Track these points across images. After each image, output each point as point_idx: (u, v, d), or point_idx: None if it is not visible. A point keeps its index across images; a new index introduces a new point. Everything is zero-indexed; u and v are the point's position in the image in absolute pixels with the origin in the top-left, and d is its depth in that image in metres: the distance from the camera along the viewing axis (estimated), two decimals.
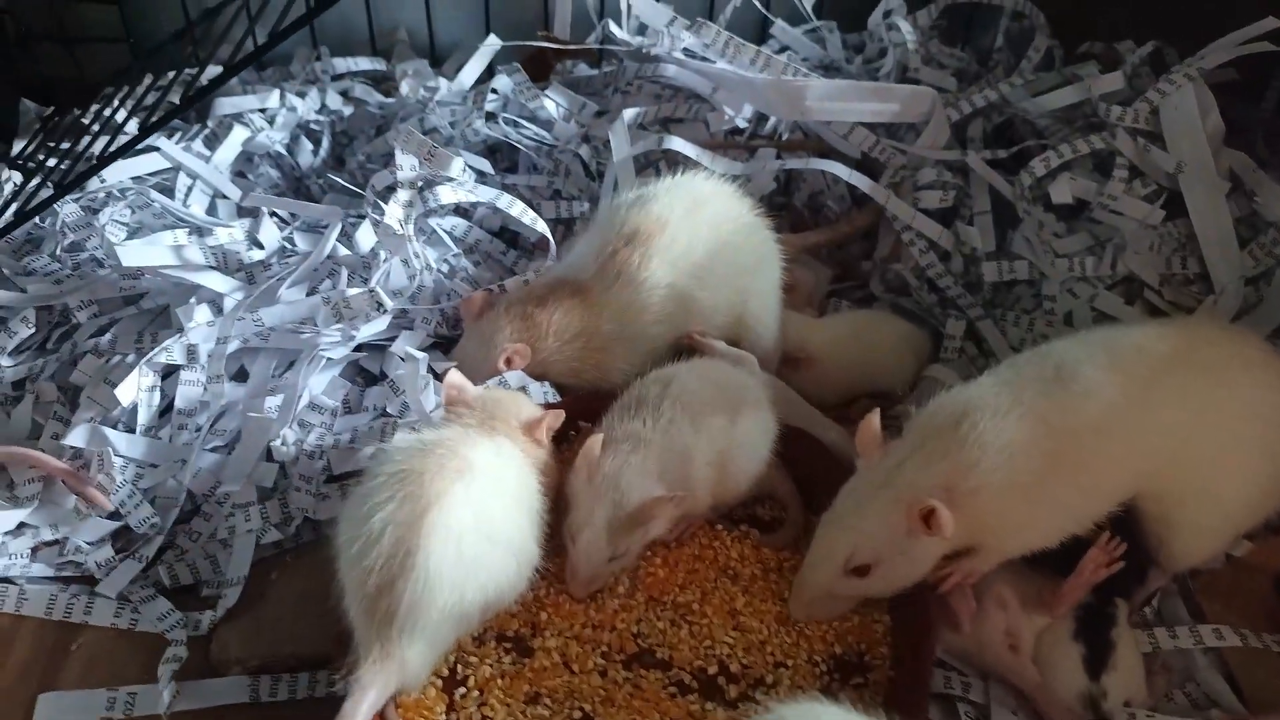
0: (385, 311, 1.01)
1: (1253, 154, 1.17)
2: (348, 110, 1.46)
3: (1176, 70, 1.17)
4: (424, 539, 0.74)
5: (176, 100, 1.06)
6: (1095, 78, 1.25)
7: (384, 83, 1.55)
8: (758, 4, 1.52)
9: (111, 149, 1.05)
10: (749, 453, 0.90)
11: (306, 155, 1.38)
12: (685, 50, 1.34)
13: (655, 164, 1.28)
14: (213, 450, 0.98)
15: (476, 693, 0.81)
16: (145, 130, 1.03)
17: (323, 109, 1.46)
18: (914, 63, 1.38)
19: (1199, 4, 1.32)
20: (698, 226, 1.02)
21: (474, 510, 0.78)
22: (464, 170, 1.04)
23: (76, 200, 1.17)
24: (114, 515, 0.94)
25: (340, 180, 1.23)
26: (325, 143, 1.40)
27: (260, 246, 1.12)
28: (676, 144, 1.20)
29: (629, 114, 1.23)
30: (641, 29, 1.48)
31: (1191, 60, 1.15)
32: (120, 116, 1.17)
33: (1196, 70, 1.14)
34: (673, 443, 0.86)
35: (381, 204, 1.07)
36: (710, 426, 0.88)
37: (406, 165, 1.03)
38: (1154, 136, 1.18)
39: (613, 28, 1.47)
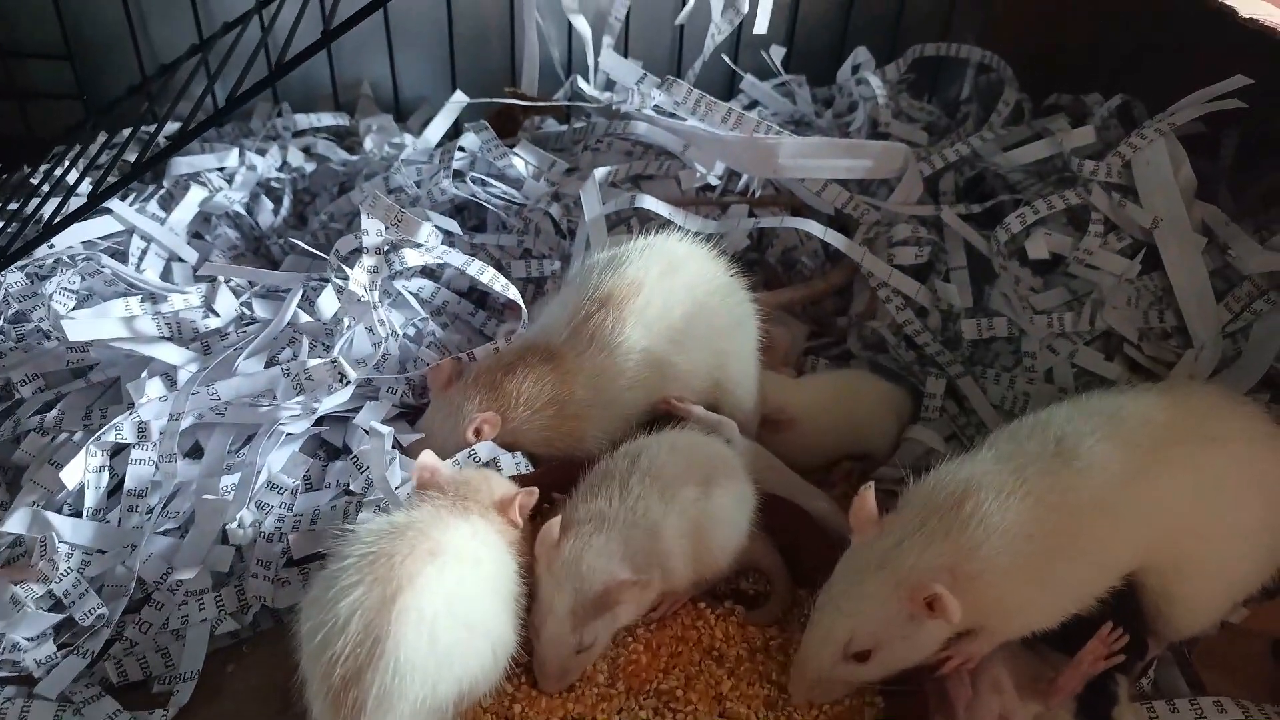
0: (348, 383, 0.97)
1: (1218, 204, 1.18)
2: (310, 167, 1.43)
3: (1148, 125, 1.17)
4: (394, 625, 0.70)
5: (131, 159, 1.02)
6: (1066, 132, 1.26)
7: (347, 138, 1.52)
8: (726, 59, 1.51)
9: (62, 214, 1.00)
10: (726, 525, 0.87)
11: (267, 215, 1.34)
12: (655, 107, 1.32)
13: (627, 221, 1.25)
14: (164, 534, 0.92)
15: None
16: (98, 195, 0.99)
17: (284, 166, 1.42)
18: (884, 117, 1.38)
19: (1159, 58, 1.33)
20: (673, 289, 0.99)
21: (447, 594, 0.74)
22: (432, 234, 1.01)
23: (22, 269, 1.11)
24: (57, 607, 0.88)
25: (302, 243, 1.19)
26: (286, 201, 1.36)
27: (217, 314, 1.08)
28: (649, 203, 1.18)
29: (600, 173, 1.21)
30: (610, 85, 1.47)
31: (1162, 116, 1.15)
32: (72, 177, 1.13)
33: (1168, 125, 1.14)
34: (639, 519, 0.83)
35: (346, 269, 1.03)
36: (681, 499, 0.84)
37: (373, 230, 0.99)
38: (1127, 190, 1.18)
39: (581, 84, 1.46)
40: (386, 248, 1.05)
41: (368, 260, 1.00)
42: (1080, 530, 0.76)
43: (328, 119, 1.52)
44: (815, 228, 1.18)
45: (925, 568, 0.74)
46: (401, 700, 0.70)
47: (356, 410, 1.01)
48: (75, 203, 1.04)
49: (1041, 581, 0.75)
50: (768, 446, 1.03)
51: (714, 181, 1.30)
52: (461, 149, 1.33)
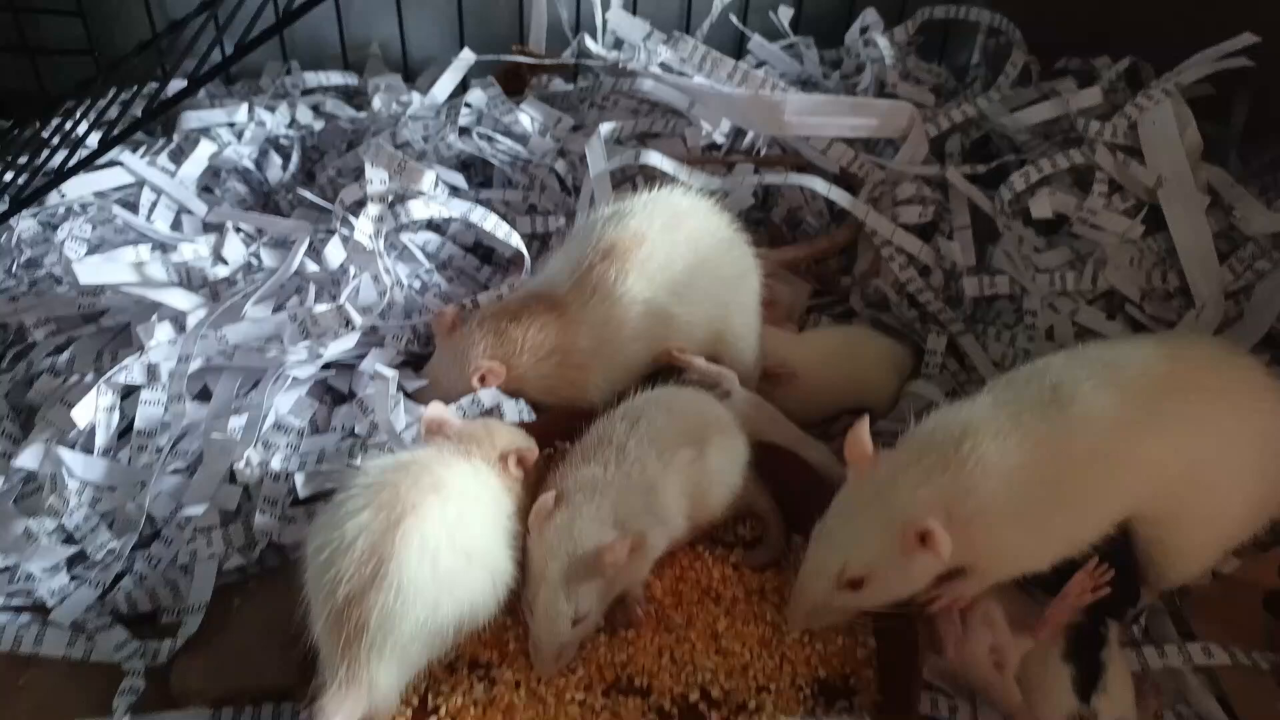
0: (354, 328, 0.98)
1: (1227, 169, 1.18)
2: (318, 125, 1.43)
3: (1154, 85, 1.17)
4: (398, 547, 0.72)
5: (140, 113, 1.03)
6: (1073, 93, 1.25)
7: (356, 97, 1.53)
8: (734, 19, 1.51)
9: (71, 163, 1.01)
10: (722, 481, 0.88)
11: (275, 170, 1.35)
12: (662, 65, 1.33)
13: (632, 179, 1.26)
14: (174, 473, 0.94)
15: None
16: (106, 143, 1.00)
17: (293, 123, 1.43)
18: (891, 78, 1.38)
19: (1171, 20, 1.33)
20: (676, 241, 1.00)
21: (449, 524, 0.76)
22: (436, 184, 1.02)
23: (34, 216, 1.13)
24: (69, 540, 0.90)
25: (309, 195, 1.20)
26: (295, 157, 1.37)
27: (225, 263, 1.09)
28: (653, 159, 1.19)
29: (605, 128, 1.21)
30: (617, 43, 1.47)
31: (1169, 75, 1.15)
32: (81, 130, 1.14)
33: (1174, 85, 1.14)
34: (636, 482, 0.83)
35: (351, 218, 1.04)
36: (679, 460, 0.85)
37: (376, 179, 1.00)
38: (1132, 151, 1.18)
39: (588, 42, 1.46)
40: (391, 199, 1.06)
41: (372, 209, 1.01)
42: (1074, 476, 0.76)
43: (336, 78, 1.53)
44: (819, 184, 1.18)
45: (920, 503, 0.75)
46: (403, 620, 0.72)
47: (362, 357, 1.03)
48: (84, 155, 1.06)
49: (1035, 524, 0.76)
50: (769, 400, 1.04)
51: (719, 140, 1.30)
52: (468, 105, 1.33)
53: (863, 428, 0.80)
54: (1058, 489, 0.76)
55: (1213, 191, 1.17)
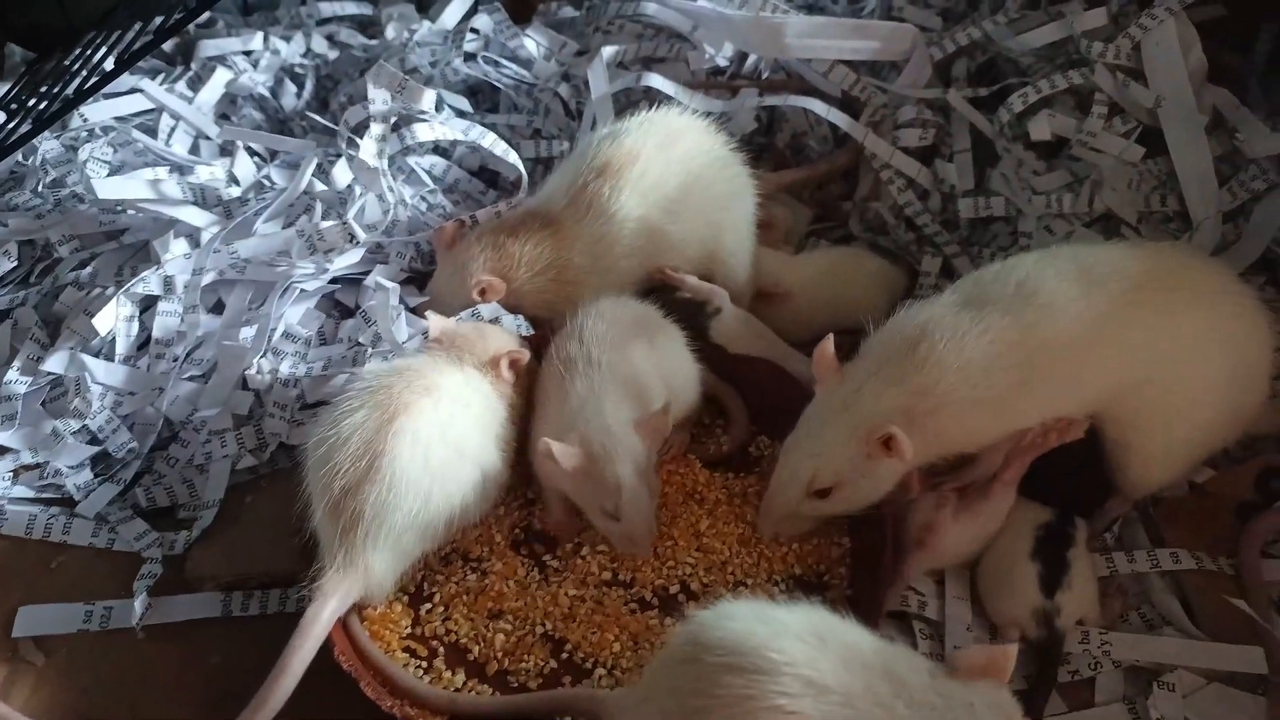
0: (358, 243, 1.02)
1: (1244, 98, 1.16)
2: (333, 54, 1.46)
3: (1159, 4, 1.15)
4: (391, 443, 0.77)
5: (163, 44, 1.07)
6: (1078, 14, 1.24)
7: (370, 27, 1.55)
8: None
9: (88, 85, 1.05)
10: (681, 362, 0.93)
11: (290, 98, 1.38)
12: None
13: (636, 104, 1.27)
14: (190, 379, 0.99)
15: (441, 608, 0.83)
16: (120, 64, 1.04)
17: (307, 53, 1.46)
18: (899, 1, 1.37)
19: None
20: (670, 160, 1.02)
21: (441, 423, 0.80)
22: (437, 104, 1.05)
23: (58, 138, 1.18)
24: (93, 440, 0.96)
25: (320, 120, 1.24)
26: (309, 85, 1.40)
27: (237, 182, 1.13)
28: (655, 81, 1.20)
29: (608, 52, 1.23)
30: None
31: None
32: (99, 57, 1.18)
33: (1178, 3, 1.13)
34: (620, 374, 0.86)
35: (356, 139, 1.07)
36: (638, 351, 0.89)
37: (379, 99, 1.03)
38: (1136, 74, 1.17)
39: None
40: (395, 120, 1.09)
41: (375, 128, 1.04)
42: (1037, 366, 0.78)
43: (350, 8, 1.55)
44: (818, 105, 1.19)
45: (881, 410, 0.78)
46: (396, 511, 0.77)
47: (367, 273, 1.07)
48: (103, 74, 1.09)
49: (995, 413, 0.78)
50: (762, 318, 1.06)
51: (723, 63, 1.31)
52: (474, 30, 1.35)
53: (828, 343, 0.83)
54: (1019, 379, 0.78)
55: (1218, 115, 1.16)
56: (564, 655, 0.80)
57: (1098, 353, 0.79)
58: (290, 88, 1.40)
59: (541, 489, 0.89)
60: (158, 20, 1.21)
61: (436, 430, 0.79)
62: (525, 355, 0.90)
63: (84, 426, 0.96)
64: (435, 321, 0.91)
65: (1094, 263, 0.81)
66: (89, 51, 1.26)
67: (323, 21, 1.54)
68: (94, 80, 1.06)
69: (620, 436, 0.82)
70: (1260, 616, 0.80)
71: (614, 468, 0.80)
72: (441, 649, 0.81)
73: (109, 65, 1.12)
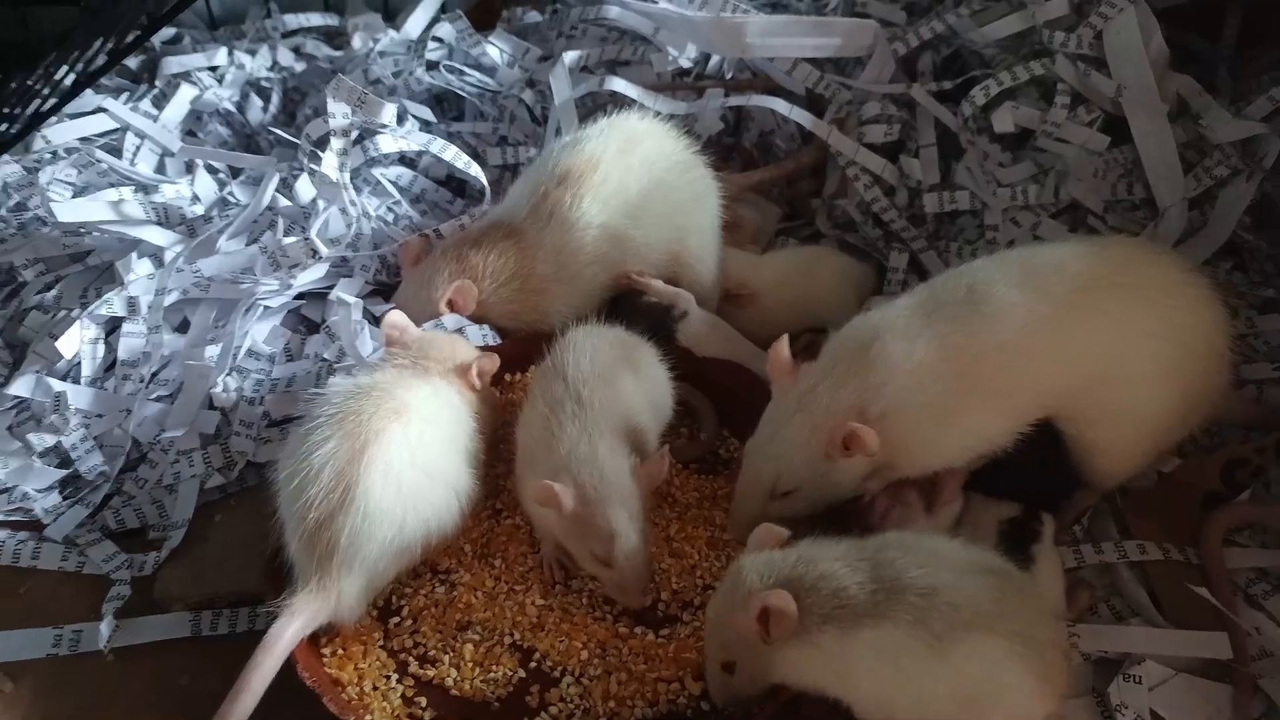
0: (320, 259, 1.02)
1: (1212, 87, 1.16)
2: (299, 66, 1.46)
3: None
4: (363, 474, 0.76)
5: (126, 62, 1.06)
6: (1040, 4, 1.24)
7: (336, 38, 1.55)
8: None
9: (46, 106, 1.05)
10: (662, 383, 0.92)
11: (256, 112, 1.38)
12: None
13: (604, 107, 1.27)
14: (156, 400, 0.99)
15: (410, 621, 0.83)
16: (79, 84, 1.03)
17: (274, 66, 1.46)
18: None
19: None
20: (631, 165, 1.02)
21: (410, 447, 0.79)
22: (400, 115, 1.05)
23: (19, 161, 1.17)
24: (64, 462, 0.96)
25: (283, 134, 1.23)
26: (276, 99, 1.40)
27: (198, 200, 1.13)
28: (619, 85, 1.20)
29: (569, 57, 1.23)
30: None
31: None
32: (60, 74, 1.18)
33: None
34: (615, 416, 0.84)
35: (318, 152, 1.07)
36: (626, 383, 0.87)
37: (339, 113, 1.03)
38: (1099, 63, 1.17)
39: None
40: (358, 133, 1.09)
41: (336, 143, 1.04)
42: (984, 372, 0.78)
43: (316, 19, 1.55)
44: (780, 105, 1.19)
45: (836, 409, 0.77)
46: (370, 541, 0.76)
47: (333, 287, 1.06)
48: (59, 97, 1.09)
49: (946, 421, 0.78)
50: (731, 321, 1.06)
51: (686, 64, 1.31)
52: (437, 39, 1.35)
53: (781, 345, 0.83)
54: (967, 385, 0.78)
55: (1182, 102, 1.16)
56: (532, 664, 0.80)
57: (1041, 359, 0.79)
58: (256, 102, 1.39)
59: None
60: (114, 39, 1.21)
61: (407, 455, 0.79)
62: (495, 362, 0.90)
63: (56, 445, 0.95)
64: (397, 319, 0.88)
65: (1040, 265, 0.81)
66: (51, 70, 1.26)
67: (289, 34, 1.53)
68: (53, 101, 1.05)
69: (614, 481, 0.79)
70: (1223, 604, 0.81)
71: (607, 513, 0.78)
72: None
73: (67, 80, 1.12)
